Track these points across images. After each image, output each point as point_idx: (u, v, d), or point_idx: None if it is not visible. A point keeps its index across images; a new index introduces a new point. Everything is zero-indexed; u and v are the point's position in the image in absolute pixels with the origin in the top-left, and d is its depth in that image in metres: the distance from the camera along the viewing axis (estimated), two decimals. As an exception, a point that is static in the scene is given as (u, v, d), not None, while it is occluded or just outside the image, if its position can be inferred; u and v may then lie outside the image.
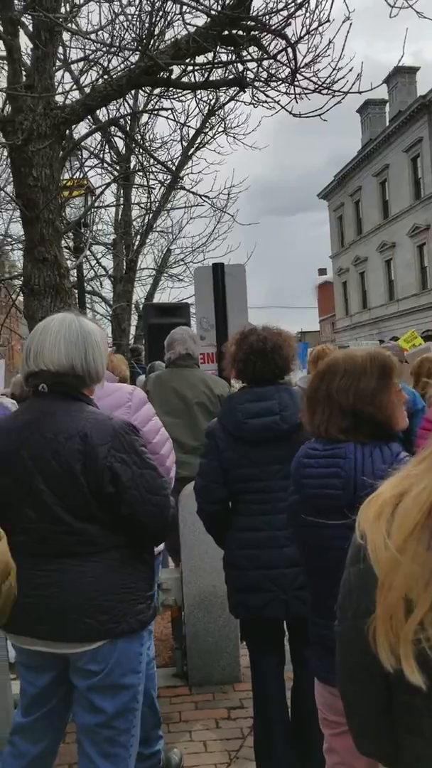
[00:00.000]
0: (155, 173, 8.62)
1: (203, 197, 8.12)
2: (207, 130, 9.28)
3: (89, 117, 6.35)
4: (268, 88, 4.72)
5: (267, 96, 4.58)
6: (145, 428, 2.94)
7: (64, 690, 2.22)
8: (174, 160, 9.56)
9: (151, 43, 4.51)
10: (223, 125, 8.97)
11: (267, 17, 4.86)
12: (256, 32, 4.91)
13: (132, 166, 9.17)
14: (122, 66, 4.96)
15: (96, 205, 9.20)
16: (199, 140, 9.72)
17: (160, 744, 3.02)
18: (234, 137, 8.41)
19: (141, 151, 8.02)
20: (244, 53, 4.96)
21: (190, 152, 9.74)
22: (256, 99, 4.65)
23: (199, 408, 4.33)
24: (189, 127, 8.72)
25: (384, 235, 38.40)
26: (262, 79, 4.60)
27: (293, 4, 4.89)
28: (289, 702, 2.95)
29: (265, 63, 4.62)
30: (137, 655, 2.17)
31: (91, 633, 2.06)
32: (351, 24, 4.71)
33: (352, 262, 43.50)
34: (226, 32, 4.77)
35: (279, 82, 4.52)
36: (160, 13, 4.43)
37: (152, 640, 3.09)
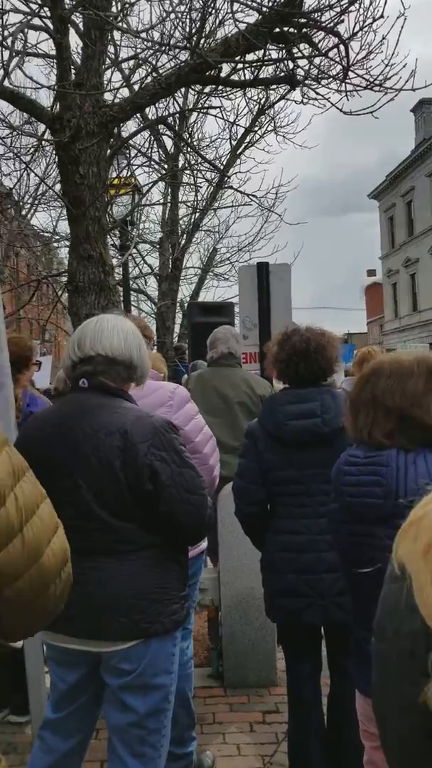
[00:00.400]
0: (203, 172, 8.62)
1: (251, 196, 8.09)
2: (256, 128, 9.23)
3: (138, 115, 6.39)
4: (319, 86, 4.65)
5: (317, 93, 4.51)
6: (187, 427, 2.93)
7: (95, 687, 2.22)
8: (222, 159, 9.55)
9: (201, 40, 4.49)
10: (272, 124, 8.92)
11: (319, 14, 4.79)
12: (308, 29, 4.85)
13: (179, 165, 9.18)
14: (171, 64, 4.96)
15: (143, 203, 9.25)
16: (248, 139, 9.68)
17: (193, 745, 3.00)
18: (284, 136, 8.35)
19: (189, 149, 8.02)
20: (295, 50, 4.91)
21: (238, 151, 9.71)
22: (306, 97, 4.58)
23: (240, 408, 4.29)
24: (238, 125, 8.68)
25: (436, 237, 37.66)
26: (313, 76, 4.53)
27: (346, 0, 4.82)
28: (326, 709, 2.90)
29: (316, 60, 4.56)
30: (170, 655, 2.15)
31: (125, 632, 2.05)
32: (405, 20, 4.61)
33: (402, 264, 42.80)
34: (277, 29, 4.73)
35: (330, 80, 4.45)
36: (211, 11, 4.40)
37: (191, 639, 3.08)
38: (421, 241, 39.58)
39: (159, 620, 2.08)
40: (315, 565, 2.72)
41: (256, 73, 4.80)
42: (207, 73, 4.81)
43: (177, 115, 8.12)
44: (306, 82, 4.59)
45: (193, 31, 4.49)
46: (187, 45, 4.65)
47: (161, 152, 9.14)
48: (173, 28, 4.75)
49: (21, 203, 10.72)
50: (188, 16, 4.56)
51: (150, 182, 8.56)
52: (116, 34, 5.70)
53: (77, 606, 2.05)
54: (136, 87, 5.50)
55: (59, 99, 4.36)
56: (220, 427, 4.21)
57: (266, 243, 11.07)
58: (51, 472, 2.09)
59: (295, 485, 2.79)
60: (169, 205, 10.42)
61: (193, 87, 6.06)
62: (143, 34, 5.51)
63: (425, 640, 0.85)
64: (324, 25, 4.81)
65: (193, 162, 8.09)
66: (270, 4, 4.68)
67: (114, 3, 5.14)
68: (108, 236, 5.56)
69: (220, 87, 5.48)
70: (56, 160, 4.96)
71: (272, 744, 3.35)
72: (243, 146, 9.79)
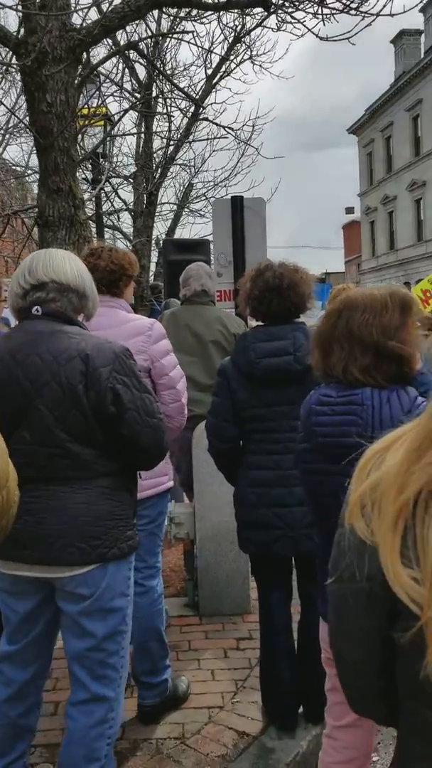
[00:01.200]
0: (177, 101, 8.33)
1: (227, 128, 7.85)
2: (232, 57, 8.90)
3: (108, 40, 6.11)
4: (295, 10, 4.45)
5: (293, 17, 4.33)
6: (163, 360, 2.93)
7: (50, 614, 2.25)
8: (197, 88, 9.22)
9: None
10: (249, 52, 8.60)
11: None
12: None
13: (153, 94, 8.86)
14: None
15: (115, 134, 8.95)
16: (223, 68, 9.34)
17: (167, 673, 3.11)
18: (260, 65, 8.06)
19: (162, 77, 7.72)
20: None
21: (213, 81, 9.37)
22: (282, 21, 4.39)
23: (215, 346, 4.27)
24: (213, 53, 8.36)
25: (414, 174, 37.18)
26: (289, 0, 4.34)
27: None
28: (296, 635, 3.01)
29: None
30: (126, 579, 2.22)
31: (83, 557, 2.09)
32: None
33: (380, 201, 42.33)
34: None
35: (306, 2, 4.26)
36: None
37: (160, 577, 3.14)
38: (399, 177, 39.08)
39: (116, 545, 2.14)
40: (285, 498, 2.77)
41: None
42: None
43: (149, 40, 7.78)
44: (282, 5, 4.39)
45: None
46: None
47: (133, 81, 8.80)
48: None
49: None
50: None
51: (121, 111, 8.26)
52: None
53: (33, 533, 2.08)
54: (104, 8, 5.24)
55: (24, 22, 4.14)
56: (194, 366, 4.20)
57: (243, 178, 10.87)
58: (8, 398, 2.09)
59: (266, 422, 2.81)
60: (142, 136, 10.10)
61: (165, 11, 5.78)
62: None
63: (383, 584, 0.87)
64: None
65: (166, 90, 7.80)
66: None
67: None
68: (78, 169, 5.39)
69: (193, 11, 5.23)
70: (22, 87, 4.75)
71: (245, 669, 3.48)
72: (218, 75, 9.45)
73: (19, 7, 4.14)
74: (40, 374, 2.06)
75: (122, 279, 2.95)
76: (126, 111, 7.73)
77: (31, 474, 2.04)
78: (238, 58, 9.17)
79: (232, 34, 8.58)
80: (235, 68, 9.38)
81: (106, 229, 10.37)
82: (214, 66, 9.23)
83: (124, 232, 11.57)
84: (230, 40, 8.73)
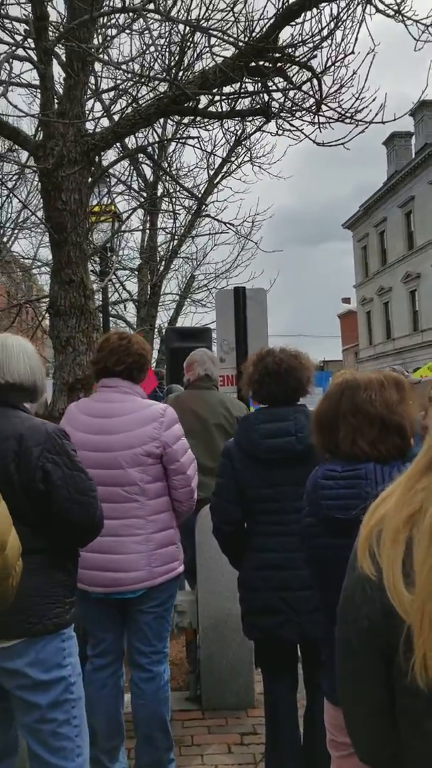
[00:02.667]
0: (181, 200, 8.77)
1: (228, 224, 8.23)
2: (233, 159, 9.43)
3: (117, 144, 6.51)
4: (293, 118, 4.80)
5: (292, 125, 4.66)
6: (174, 446, 3.01)
7: None
8: (200, 188, 9.72)
9: (180, 73, 4.64)
10: (248, 155, 9.12)
11: (293, 49, 4.98)
12: (282, 63, 5.03)
13: (158, 193, 9.33)
14: (151, 95, 5.09)
15: (122, 230, 9.37)
16: (225, 169, 9.87)
17: (171, 766, 3.00)
18: (260, 167, 8.54)
19: (167, 177, 8.17)
20: (270, 84, 5.08)
21: (215, 180, 9.89)
22: (281, 128, 4.73)
23: (218, 429, 4.34)
24: (215, 155, 8.87)
25: (408, 266, 38.40)
26: (287, 109, 4.69)
27: (319, 36, 5.01)
28: (302, 727, 2.92)
29: (291, 93, 4.72)
30: (59, 650, 2.22)
31: (6, 630, 2.11)
32: (375, 56, 4.81)
33: (376, 292, 43.50)
34: (253, 63, 4.90)
35: (304, 112, 4.60)
36: (189, 45, 4.55)
37: (167, 663, 3.09)
38: (393, 270, 40.33)
39: (41, 621, 2.17)
40: (291, 581, 2.77)
41: (232, 105, 4.95)
42: (185, 105, 4.95)
43: (156, 144, 8.28)
44: (281, 114, 4.74)
45: (173, 64, 4.62)
46: (167, 77, 4.79)
47: (140, 180, 9.29)
48: (153, 60, 4.89)
49: (2, 230, 10.79)
50: (167, 50, 4.70)
51: (129, 209, 8.69)
52: (97, 65, 5.85)
53: None
54: (116, 117, 5.62)
55: (43, 127, 4.46)
56: (197, 449, 4.24)
57: (243, 270, 11.23)
58: None
59: (270, 503, 2.84)
60: (147, 232, 10.56)
61: (171, 118, 6.21)
62: (123, 66, 5.66)
63: (383, 619, 0.94)
64: (298, 59, 5.00)
65: (171, 190, 8.24)
66: (246, 39, 4.85)
67: (96, 35, 5.29)
68: (89, 262, 5.64)
69: (198, 118, 5.62)
70: (38, 187, 5.04)
71: (250, 764, 3.36)
72: (220, 176, 9.98)
73: (40, 115, 4.46)
74: None
75: (143, 369, 3.08)
76: (134, 210, 8.15)
77: None
78: (239, 160, 9.71)
79: (233, 138, 9.15)
80: (235, 169, 9.93)
81: (111, 318, 10.66)
82: (216, 167, 9.77)
83: (128, 321, 11.90)
84: (231, 144, 9.30)
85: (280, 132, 4.68)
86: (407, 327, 39.31)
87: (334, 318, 60.50)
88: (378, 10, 5.26)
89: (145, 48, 5.18)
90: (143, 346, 3.10)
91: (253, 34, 4.91)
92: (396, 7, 5.19)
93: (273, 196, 10.94)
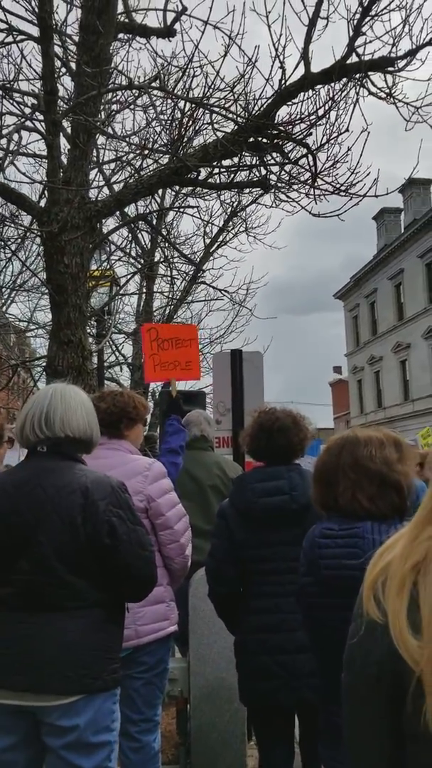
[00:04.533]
0: (178, 266, 8.98)
1: (223, 291, 8.43)
2: (229, 229, 9.73)
3: (118, 213, 6.72)
4: (290, 190, 5.00)
5: (288, 197, 4.85)
6: (159, 500, 2.99)
7: (31, 754, 2.15)
8: (197, 255, 9.97)
9: (181, 146, 4.85)
10: (244, 225, 9.42)
11: (290, 126, 5.23)
12: (279, 140, 5.27)
13: (156, 259, 9.58)
14: (153, 166, 5.30)
15: (120, 293, 9.56)
16: (221, 238, 10.16)
17: None
18: (254, 236, 8.81)
19: (165, 244, 8.41)
20: (268, 158, 5.31)
21: (212, 249, 10.16)
22: (277, 199, 4.92)
23: (213, 491, 4.33)
24: (213, 225, 9.15)
25: (399, 336, 39.03)
26: (284, 181, 4.89)
27: (315, 115, 5.27)
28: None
29: (287, 167, 4.93)
30: (111, 713, 2.18)
31: (70, 686, 2.07)
32: (369, 134, 5.05)
33: (366, 361, 44.01)
34: (252, 139, 5.13)
35: (300, 185, 4.80)
36: (191, 121, 4.77)
37: (159, 732, 2.99)
38: (384, 339, 40.94)
39: (102, 677, 2.13)
40: (287, 644, 2.72)
41: (231, 177, 5.15)
42: (186, 176, 5.16)
43: (155, 213, 8.55)
44: (278, 185, 4.94)
45: (175, 138, 4.84)
46: (169, 150, 5.00)
47: (138, 247, 9.53)
48: (156, 135, 5.12)
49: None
50: (170, 124, 4.93)
51: (128, 273, 8.91)
52: (100, 138, 6.11)
53: (22, 660, 2.06)
54: (116, 186, 5.83)
55: (48, 194, 4.62)
56: (192, 511, 4.22)
57: (237, 336, 11.37)
58: (10, 529, 2.16)
59: (265, 563, 2.82)
60: (144, 296, 10.75)
61: (171, 188, 6.45)
62: (128, 139, 5.92)
63: (392, 664, 0.94)
64: (295, 137, 5.25)
65: (169, 256, 8.45)
66: (246, 115, 5.11)
67: (101, 109, 5.55)
68: (87, 324, 5.73)
69: (197, 189, 5.84)
70: (39, 251, 5.17)
71: None
72: (216, 244, 10.26)
73: (46, 183, 4.63)
74: (43, 506, 2.16)
75: (122, 421, 3.08)
76: (132, 275, 8.33)
77: (27, 602, 2.10)
78: (234, 230, 10.01)
79: (229, 209, 9.46)
80: (232, 238, 10.22)
81: (105, 381, 10.72)
82: (212, 236, 10.05)
83: (121, 384, 11.96)
84: (227, 214, 9.60)
85: (276, 203, 4.86)
86: (398, 396, 39.61)
87: (325, 386, 60.99)
88: (370, 93, 5.58)
89: (148, 123, 5.42)
90: (118, 402, 3.09)
91: (252, 112, 5.17)
92: (387, 90, 5.51)
93: (267, 266, 11.25)
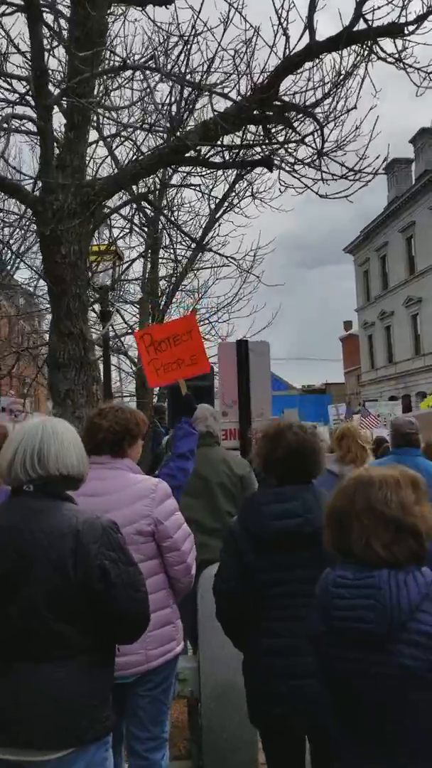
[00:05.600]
0: (183, 242, 8.75)
1: (229, 258, 8.20)
2: (233, 196, 9.42)
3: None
4: (296, 170, 4.77)
5: (294, 176, 4.63)
6: (166, 522, 2.91)
7: None
8: (201, 221, 9.70)
9: (180, 125, 4.61)
10: (250, 190, 9.11)
11: (295, 96, 4.98)
12: (286, 112, 5.02)
13: (159, 228, 9.34)
14: (152, 143, 5.07)
15: (124, 266, 9.36)
16: (226, 203, 9.86)
17: None
18: (261, 200, 8.51)
19: (169, 224, 8.17)
20: (274, 131, 5.06)
21: (217, 215, 9.87)
22: (283, 183, 4.69)
23: (220, 488, 4.25)
24: (216, 198, 8.88)
25: (410, 290, 38.48)
26: (289, 162, 4.65)
27: (321, 83, 5.02)
28: None
29: (293, 146, 4.69)
30: (103, 761, 2.15)
31: (60, 740, 2.03)
32: (377, 119, 4.82)
33: (377, 316, 43.54)
34: (257, 111, 4.88)
35: (305, 165, 4.57)
36: (191, 105, 4.53)
37: (166, 749, 2.96)
38: (395, 294, 40.40)
39: (93, 726, 2.09)
40: (298, 669, 2.65)
41: (234, 156, 4.91)
42: (186, 155, 4.92)
43: (157, 191, 8.27)
44: (283, 166, 4.71)
45: (174, 115, 4.59)
46: (168, 128, 4.76)
47: (141, 215, 9.27)
48: (155, 112, 4.87)
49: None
50: (168, 105, 4.67)
51: (130, 247, 8.67)
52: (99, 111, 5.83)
53: (9, 713, 2.01)
54: (118, 163, 5.60)
55: (42, 182, 4.42)
56: (199, 509, 4.17)
57: (245, 304, 11.11)
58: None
59: (277, 586, 2.73)
60: (149, 264, 10.52)
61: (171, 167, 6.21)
62: (126, 111, 5.67)
63: None
64: (301, 107, 4.99)
65: (172, 234, 8.22)
66: (250, 86, 4.85)
67: (98, 85, 5.28)
68: (88, 310, 5.58)
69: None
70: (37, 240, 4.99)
71: None
72: (222, 210, 9.96)
73: (39, 175, 4.42)
74: (33, 551, 2.08)
75: (126, 439, 2.98)
76: (133, 260, 8.09)
77: (13, 651, 2.04)
78: (240, 195, 9.69)
79: (234, 174, 9.13)
80: (238, 203, 9.90)
81: (112, 354, 10.60)
82: (217, 203, 9.75)
83: (129, 355, 11.83)
84: (232, 179, 9.28)
85: (282, 188, 4.63)
86: (409, 351, 39.28)
87: (336, 341, 60.60)
88: (379, 58, 5.28)
89: (143, 96, 5.16)
90: (121, 419, 2.98)
91: (256, 85, 4.91)
92: (397, 55, 5.21)
93: (275, 226, 10.95)
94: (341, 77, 5.09)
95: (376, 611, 1.88)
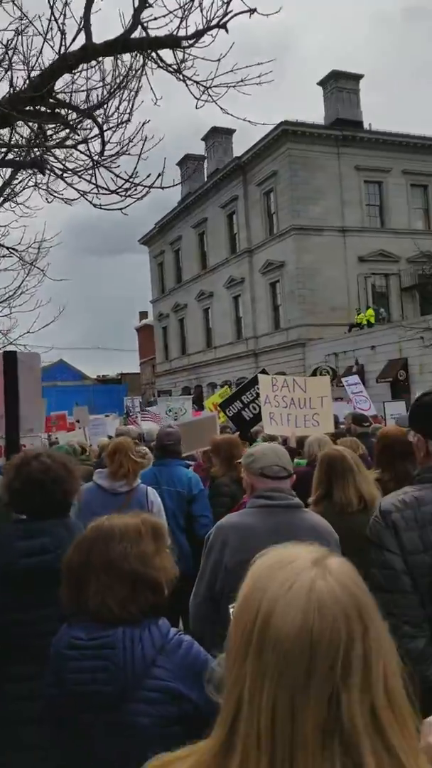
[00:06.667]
0: None
1: (10, 249, 7.76)
2: (13, 186, 8.93)
3: None
4: (72, 175, 4.60)
5: (66, 183, 4.45)
6: None
7: None
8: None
9: None
10: (33, 180, 8.68)
11: (69, 96, 4.81)
12: (60, 109, 4.83)
13: None
14: None
15: None
16: (6, 192, 9.30)
17: None
18: (47, 190, 8.12)
19: None
20: (46, 128, 4.83)
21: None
22: (51, 193, 4.49)
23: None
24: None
25: (202, 285, 39.79)
26: (65, 166, 4.47)
27: (101, 84, 4.90)
28: None
29: (68, 151, 4.52)
30: None
31: None
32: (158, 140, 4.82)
33: (171, 309, 44.47)
34: (29, 107, 4.63)
35: (81, 172, 4.42)
36: None
37: None
38: (188, 287, 41.53)
39: None
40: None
41: (4, 155, 4.61)
42: None
43: None
44: (56, 169, 4.51)
45: None
46: None
47: None
48: None
49: None
50: None
51: None
52: None
53: None
54: None
55: None
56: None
57: (28, 299, 10.53)
58: None
59: (21, 627, 2.59)
60: None
61: None
62: None
63: None
64: (77, 107, 4.84)
65: None
66: (24, 77, 4.59)
67: None
68: None
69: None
70: None
71: None
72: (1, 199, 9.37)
73: None
74: None
75: None
76: None
77: None
78: (21, 185, 9.19)
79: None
80: (20, 192, 9.38)
81: None
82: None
83: None
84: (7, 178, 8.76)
85: (49, 199, 4.43)
86: (201, 343, 40.65)
87: (132, 330, 60.90)
88: (159, 66, 5.29)
89: None
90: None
91: (30, 77, 4.66)
92: (176, 66, 5.26)
93: (65, 208, 10.57)
94: (121, 80, 5.02)
95: (109, 672, 1.83)
